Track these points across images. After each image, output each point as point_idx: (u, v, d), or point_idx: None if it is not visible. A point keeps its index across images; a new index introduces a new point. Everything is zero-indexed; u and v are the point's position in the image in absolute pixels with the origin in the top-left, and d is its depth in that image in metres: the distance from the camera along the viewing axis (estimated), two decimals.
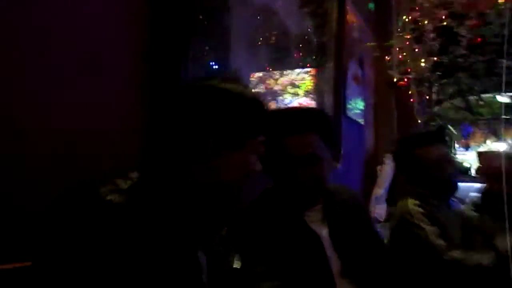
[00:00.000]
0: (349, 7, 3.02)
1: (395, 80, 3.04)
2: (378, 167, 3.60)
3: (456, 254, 1.66)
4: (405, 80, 3.00)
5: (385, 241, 1.83)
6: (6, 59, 0.93)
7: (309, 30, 2.42)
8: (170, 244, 0.85)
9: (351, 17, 3.13)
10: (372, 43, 3.28)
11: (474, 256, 1.64)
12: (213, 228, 1.01)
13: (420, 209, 1.79)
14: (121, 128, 1.19)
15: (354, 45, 3.28)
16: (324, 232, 1.38)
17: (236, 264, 1.09)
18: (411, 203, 1.83)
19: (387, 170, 3.49)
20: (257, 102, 0.99)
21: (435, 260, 1.66)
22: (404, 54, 2.96)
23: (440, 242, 1.69)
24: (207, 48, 1.49)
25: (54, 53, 1.03)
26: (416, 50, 2.92)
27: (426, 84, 3.06)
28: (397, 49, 3.05)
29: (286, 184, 1.34)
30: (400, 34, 3.01)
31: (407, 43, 2.93)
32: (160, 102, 1.26)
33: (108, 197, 0.77)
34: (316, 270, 1.31)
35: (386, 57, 3.11)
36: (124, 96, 1.21)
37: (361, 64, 3.54)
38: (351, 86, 3.24)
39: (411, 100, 3.19)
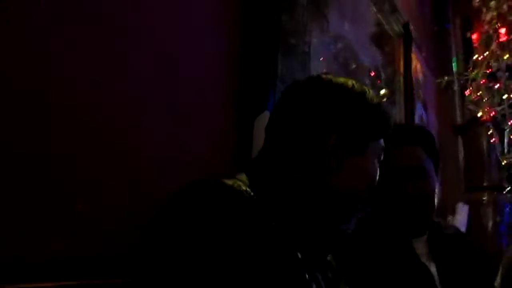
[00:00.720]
0: (413, 49, 2.97)
1: (479, 115, 2.86)
2: (449, 218, 3.37)
3: None
4: (489, 115, 2.82)
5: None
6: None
7: (379, 65, 2.34)
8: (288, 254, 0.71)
9: (415, 59, 3.07)
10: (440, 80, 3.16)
11: None
12: (327, 247, 0.87)
13: None
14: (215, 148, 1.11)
15: (419, 87, 3.18)
16: (432, 268, 1.22)
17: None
18: None
19: (459, 219, 3.25)
20: (379, 101, 0.89)
21: None
22: (480, 92, 2.81)
23: None
24: (292, 68, 1.42)
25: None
26: (491, 87, 2.78)
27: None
28: (471, 87, 2.92)
29: (393, 200, 1.19)
30: (473, 72, 2.88)
31: (483, 81, 2.80)
32: (249, 121, 1.19)
33: (242, 188, 0.68)
34: None
35: (466, 92, 2.97)
36: (219, 113, 1.14)
37: (424, 107, 3.43)
38: None
39: (492, 140, 2.99)
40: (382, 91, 2.25)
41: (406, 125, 1.42)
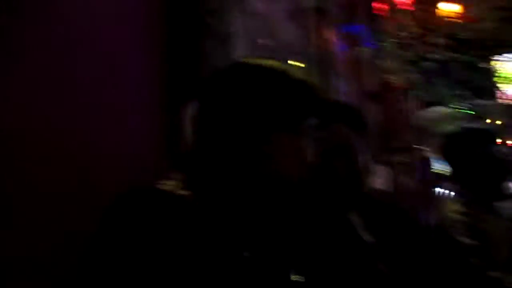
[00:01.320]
0: (326, 22, 3.04)
1: (392, 82, 3.02)
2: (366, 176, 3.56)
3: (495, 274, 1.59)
4: (401, 82, 2.99)
5: None
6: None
7: (295, 39, 2.38)
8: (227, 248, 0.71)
9: (329, 31, 3.16)
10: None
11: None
12: (269, 230, 0.86)
13: (463, 218, 1.71)
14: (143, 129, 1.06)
15: (334, 58, 3.28)
16: (367, 237, 1.27)
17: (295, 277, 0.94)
18: (452, 210, 1.74)
19: (378, 181, 3.45)
20: (305, 78, 0.87)
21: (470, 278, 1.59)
22: (390, 61, 2.96)
23: (476, 261, 1.62)
24: (217, 49, 1.38)
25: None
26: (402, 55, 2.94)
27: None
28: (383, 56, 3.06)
29: (324, 179, 1.21)
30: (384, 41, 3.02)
31: (393, 50, 2.95)
32: (179, 102, 1.15)
33: (178, 191, 0.66)
34: (370, 281, 1.19)
35: (379, 61, 3.11)
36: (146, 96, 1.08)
37: (340, 77, 3.54)
38: (334, 97, 3.22)
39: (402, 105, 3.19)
40: (300, 65, 2.29)
41: (331, 103, 1.44)
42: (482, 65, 3.30)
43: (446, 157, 1.94)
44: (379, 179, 3.27)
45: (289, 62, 2.21)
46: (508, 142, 3.33)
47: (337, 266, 1.14)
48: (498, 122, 3.26)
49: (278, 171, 0.79)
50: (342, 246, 1.19)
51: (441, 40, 3.08)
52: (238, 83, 0.80)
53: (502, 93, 3.34)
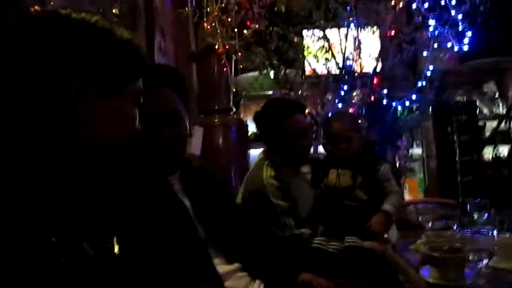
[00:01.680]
0: None
1: (216, 47, 3.06)
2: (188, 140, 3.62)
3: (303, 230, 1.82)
4: (223, 47, 3.06)
5: None
6: None
7: None
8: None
9: None
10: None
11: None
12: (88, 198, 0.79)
13: (276, 183, 1.86)
14: None
15: (159, 17, 3.19)
16: (186, 202, 1.31)
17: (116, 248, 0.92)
18: (267, 176, 1.88)
19: (195, 141, 3.54)
20: (129, 37, 0.81)
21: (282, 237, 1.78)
22: (213, 24, 3.01)
23: (290, 220, 1.81)
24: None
25: None
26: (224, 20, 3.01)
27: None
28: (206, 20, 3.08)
29: (148, 145, 1.19)
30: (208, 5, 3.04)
31: (215, 14, 2.99)
32: None
33: None
34: (189, 241, 1.24)
35: (205, 24, 3.11)
36: None
37: (163, 36, 3.48)
38: (157, 57, 3.16)
39: (225, 69, 3.29)
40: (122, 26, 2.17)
41: (154, 66, 1.40)
42: (293, 38, 3.61)
43: (256, 123, 2.11)
44: (194, 138, 3.37)
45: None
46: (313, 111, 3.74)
47: (158, 230, 1.15)
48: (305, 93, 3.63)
49: (97, 137, 0.75)
50: (163, 210, 1.20)
51: (262, 11, 3.25)
52: (46, 36, 0.71)
53: (310, 66, 3.74)
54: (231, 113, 3.86)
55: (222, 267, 1.30)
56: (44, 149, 0.69)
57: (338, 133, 2.02)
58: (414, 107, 4.26)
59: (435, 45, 3.59)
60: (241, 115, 4.26)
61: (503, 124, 5.09)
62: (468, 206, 1.75)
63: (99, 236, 0.81)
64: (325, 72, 3.80)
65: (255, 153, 3.16)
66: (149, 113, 1.16)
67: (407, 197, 4.96)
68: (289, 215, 1.85)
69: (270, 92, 3.97)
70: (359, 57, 3.72)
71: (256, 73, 3.77)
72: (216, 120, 3.70)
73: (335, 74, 3.69)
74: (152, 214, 1.16)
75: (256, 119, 2.09)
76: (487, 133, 5.29)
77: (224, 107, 3.77)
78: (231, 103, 3.80)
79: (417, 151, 5.34)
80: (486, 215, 1.67)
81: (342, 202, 1.98)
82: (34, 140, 0.69)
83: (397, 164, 4.48)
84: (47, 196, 0.66)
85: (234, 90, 3.68)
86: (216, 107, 3.75)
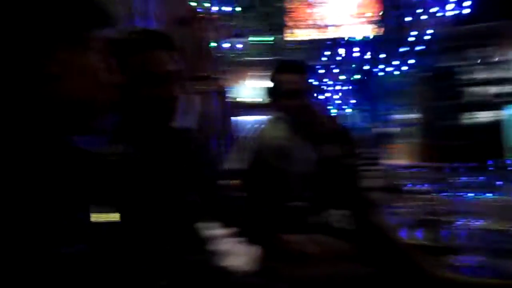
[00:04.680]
0: None
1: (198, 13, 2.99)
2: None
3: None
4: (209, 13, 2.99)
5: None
6: None
7: None
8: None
9: None
10: None
11: None
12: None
13: (280, 143, 1.88)
14: None
15: None
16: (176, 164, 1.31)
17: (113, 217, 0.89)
18: (273, 136, 1.90)
19: (191, 109, 3.50)
20: None
21: None
22: None
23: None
24: None
25: None
26: None
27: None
28: None
29: (129, 106, 1.18)
30: None
31: None
32: None
33: None
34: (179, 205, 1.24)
35: None
36: None
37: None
38: (139, 20, 3.10)
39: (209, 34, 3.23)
40: None
41: (150, 31, 1.38)
42: (277, 3, 3.57)
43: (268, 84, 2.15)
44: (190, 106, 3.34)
45: None
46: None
47: (154, 193, 1.15)
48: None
49: (71, 93, 0.71)
50: (144, 176, 1.20)
51: None
52: None
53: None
54: (214, 79, 3.80)
55: (218, 231, 1.32)
56: (21, 114, 0.67)
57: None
58: (410, 72, 4.23)
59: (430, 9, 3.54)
60: (226, 82, 4.21)
61: (488, 89, 5.12)
62: (451, 170, 1.78)
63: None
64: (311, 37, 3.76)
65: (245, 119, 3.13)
66: (148, 72, 1.18)
67: (397, 161, 5.02)
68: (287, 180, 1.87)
69: (259, 59, 3.92)
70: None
71: (243, 39, 3.72)
72: (198, 87, 3.64)
73: (325, 39, 3.65)
74: (149, 175, 1.16)
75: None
76: (473, 98, 5.31)
77: (206, 74, 3.71)
78: (215, 69, 3.74)
79: (408, 116, 5.35)
80: (469, 178, 1.70)
81: (335, 171, 2.01)
82: (11, 102, 0.67)
83: (386, 129, 4.51)
84: (25, 155, 0.65)
85: (219, 56, 3.61)
86: (199, 74, 3.69)
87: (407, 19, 3.80)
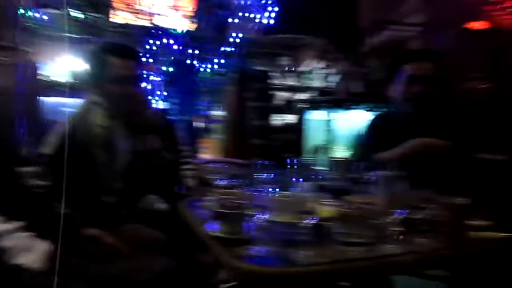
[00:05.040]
0: None
1: None
2: None
3: None
4: None
5: None
6: None
7: None
8: None
9: None
10: None
11: None
12: None
13: (101, 131, 1.75)
14: None
15: None
16: None
17: None
18: (92, 123, 1.74)
19: None
20: None
21: None
22: None
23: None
24: None
25: None
26: None
27: None
28: None
29: None
30: None
31: None
32: None
33: None
34: None
35: None
36: None
37: None
38: None
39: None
40: None
41: None
42: None
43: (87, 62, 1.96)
44: None
45: None
46: None
47: None
48: None
49: None
50: None
51: None
52: None
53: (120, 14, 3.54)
54: (19, 51, 3.39)
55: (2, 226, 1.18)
56: None
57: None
58: (220, 70, 4.45)
59: (245, 14, 3.77)
60: (37, 57, 3.77)
61: (293, 95, 5.73)
62: (255, 166, 1.92)
63: None
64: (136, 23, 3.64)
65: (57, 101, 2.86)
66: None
67: (205, 156, 5.21)
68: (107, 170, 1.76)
69: (80, 36, 3.60)
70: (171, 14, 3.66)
71: (61, 11, 3.38)
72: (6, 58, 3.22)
73: (145, 27, 3.56)
74: None
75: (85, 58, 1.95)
76: (279, 102, 5.88)
77: (8, 44, 3.28)
78: (23, 40, 3.33)
79: (218, 113, 5.62)
80: (269, 175, 1.86)
81: (150, 162, 1.99)
82: None
83: (197, 124, 4.66)
84: None
85: (29, 26, 3.22)
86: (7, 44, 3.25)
87: (225, 20, 3.99)
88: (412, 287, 2.49)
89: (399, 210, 1.28)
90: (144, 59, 3.68)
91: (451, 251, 1.30)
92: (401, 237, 1.33)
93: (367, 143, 2.37)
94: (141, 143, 2.00)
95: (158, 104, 4.05)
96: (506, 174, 1.83)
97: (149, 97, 3.72)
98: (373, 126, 2.40)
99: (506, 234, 1.41)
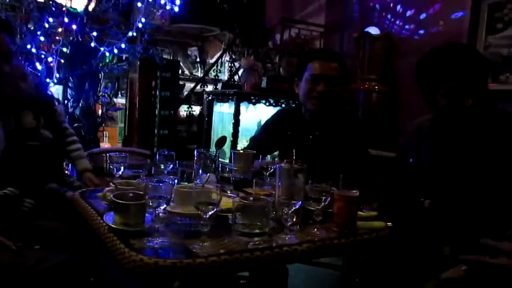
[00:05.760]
0: None
1: None
2: None
3: None
4: None
5: None
6: None
7: None
8: None
9: None
10: None
11: None
12: None
13: None
14: None
15: None
16: None
17: None
18: None
19: None
20: None
21: None
22: None
23: None
24: None
25: None
26: None
27: None
28: None
29: None
30: None
31: None
32: None
33: None
34: None
35: None
36: None
37: None
38: None
39: None
40: None
41: None
42: None
43: None
44: None
45: None
46: None
47: None
48: None
49: None
50: None
51: None
52: None
53: None
54: None
55: None
56: None
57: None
58: (124, 56, 4.27)
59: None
60: None
61: (198, 86, 5.69)
62: (157, 157, 1.88)
63: None
64: None
65: None
66: None
67: (106, 145, 4.98)
68: None
69: None
70: None
71: None
72: None
73: (40, 2, 3.29)
74: None
75: None
76: (185, 92, 5.81)
77: None
78: None
79: (120, 100, 5.41)
80: (171, 165, 1.83)
81: (27, 144, 1.89)
82: None
83: (99, 112, 4.43)
84: None
85: None
86: None
87: (129, 3, 3.85)
88: (307, 274, 2.63)
89: (296, 202, 1.33)
90: (41, 38, 3.41)
91: (343, 240, 1.39)
92: (298, 227, 1.40)
93: (260, 139, 2.45)
94: (14, 121, 1.92)
95: (52, 88, 3.78)
96: (392, 169, 1.99)
97: (34, 76, 3.43)
98: (271, 122, 2.49)
99: (391, 223, 1.54)
